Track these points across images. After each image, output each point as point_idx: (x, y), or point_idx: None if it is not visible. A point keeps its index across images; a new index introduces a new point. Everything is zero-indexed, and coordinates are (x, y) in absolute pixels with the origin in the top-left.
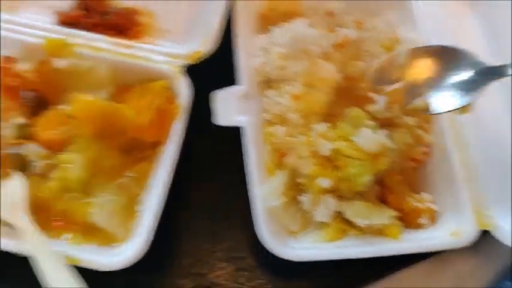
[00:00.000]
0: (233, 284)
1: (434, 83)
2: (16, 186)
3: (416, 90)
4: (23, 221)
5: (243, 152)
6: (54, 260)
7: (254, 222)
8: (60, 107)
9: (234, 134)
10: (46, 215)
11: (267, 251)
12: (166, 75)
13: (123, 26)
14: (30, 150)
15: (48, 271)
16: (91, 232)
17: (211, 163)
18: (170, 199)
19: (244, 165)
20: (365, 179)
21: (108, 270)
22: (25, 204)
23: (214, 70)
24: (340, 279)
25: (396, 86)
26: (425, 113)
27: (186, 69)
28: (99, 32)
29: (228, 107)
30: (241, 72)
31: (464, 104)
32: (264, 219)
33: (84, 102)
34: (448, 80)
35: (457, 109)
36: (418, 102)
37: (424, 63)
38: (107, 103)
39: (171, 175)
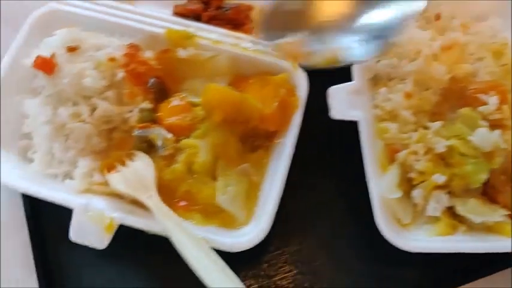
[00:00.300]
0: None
1: (342, 26)
2: (145, 166)
3: (321, 39)
4: (154, 199)
5: (352, 146)
6: (190, 237)
7: (374, 213)
8: (182, 94)
9: (345, 127)
10: (170, 195)
11: (375, 241)
12: (284, 68)
13: (238, 21)
14: (156, 133)
15: (186, 249)
16: (212, 214)
17: (324, 154)
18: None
19: (363, 158)
20: (481, 176)
21: (232, 251)
22: (154, 183)
23: None
24: (446, 273)
25: (290, 38)
26: (334, 66)
27: None
28: (215, 25)
29: (343, 102)
30: (354, 69)
31: (384, 48)
32: (382, 210)
33: (216, 90)
34: (359, 21)
35: (377, 56)
36: (321, 54)
37: (327, 6)
38: (236, 92)
39: (289, 164)
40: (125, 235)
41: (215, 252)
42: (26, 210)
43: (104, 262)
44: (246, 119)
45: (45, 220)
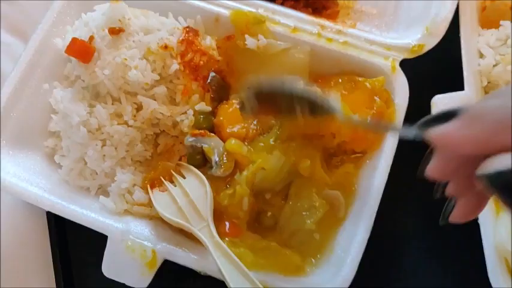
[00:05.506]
0: None
1: None
2: (199, 186)
3: None
4: (209, 232)
5: None
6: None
7: (487, 267)
8: None
9: None
10: (223, 221)
11: None
12: (380, 69)
13: (319, 3)
14: (212, 145)
15: None
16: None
17: (421, 184)
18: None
19: None
20: None
21: None
22: (210, 210)
23: (426, 67)
24: None
25: None
26: None
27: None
28: (290, 8)
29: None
30: (465, 75)
31: None
32: (498, 265)
33: None
34: None
35: None
36: None
37: None
38: None
39: (380, 197)
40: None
41: None
42: (50, 228)
43: None
44: (331, 134)
45: (72, 239)
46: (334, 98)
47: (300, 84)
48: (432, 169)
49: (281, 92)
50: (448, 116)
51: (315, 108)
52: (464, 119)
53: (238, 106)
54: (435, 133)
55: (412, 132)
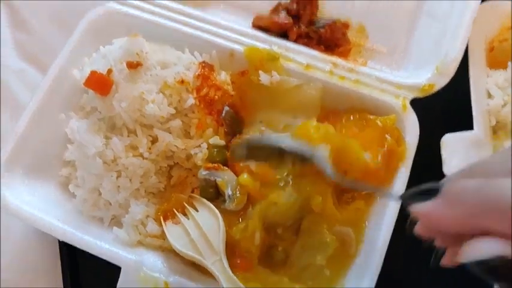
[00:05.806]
0: None
1: None
2: (212, 220)
3: None
4: (222, 266)
5: None
6: None
7: None
8: (259, 127)
9: None
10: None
11: None
12: (391, 108)
13: (331, 41)
14: (225, 179)
15: None
16: None
17: None
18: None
19: None
20: None
21: None
22: (223, 244)
23: (436, 106)
24: None
25: None
26: None
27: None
28: (303, 45)
29: (460, 156)
30: (474, 115)
31: None
32: None
33: (316, 130)
34: None
35: None
36: None
37: None
38: (339, 135)
39: (389, 236)
40: None
41: None
42: (62, 256)
43: None
44: (343, 170)
45: (83, 270)
46: (322, 154)
47: (287, 139)
48: (419, 230)
49: (270, 145)
50: (431, 191)
51: (306, 159)
52: (444, 199)
53: (228, 153)
54: (417, 210)
55: (398, 200)
